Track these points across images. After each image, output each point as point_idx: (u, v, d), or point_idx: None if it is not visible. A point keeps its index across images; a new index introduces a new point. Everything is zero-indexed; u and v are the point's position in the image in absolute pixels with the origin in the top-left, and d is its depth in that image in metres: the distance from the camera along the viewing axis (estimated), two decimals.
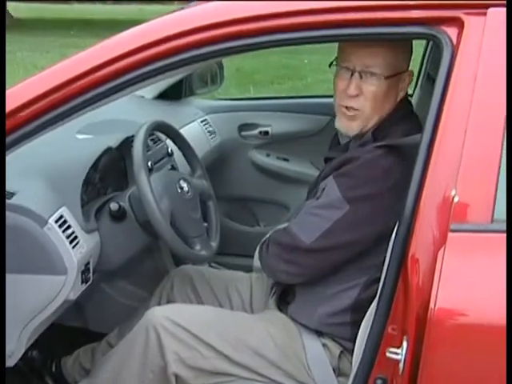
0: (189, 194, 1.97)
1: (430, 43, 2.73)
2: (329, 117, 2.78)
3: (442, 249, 1.36)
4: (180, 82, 2.90)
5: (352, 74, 1.74)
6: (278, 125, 2.99)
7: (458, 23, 1.46)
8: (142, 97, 2.86)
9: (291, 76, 9.57)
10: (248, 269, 2.23)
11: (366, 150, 1.72)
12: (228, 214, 3.10)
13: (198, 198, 2.03)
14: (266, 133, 3.01)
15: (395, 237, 1.43)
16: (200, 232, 1.98)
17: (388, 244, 1.46)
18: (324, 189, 1.74)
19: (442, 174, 1.40)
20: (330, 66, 1.83)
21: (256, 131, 3.02)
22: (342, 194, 1.68)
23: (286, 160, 3.04)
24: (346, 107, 1.77)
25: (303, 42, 1.57)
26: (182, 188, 1.96)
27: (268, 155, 3.04)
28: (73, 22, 18.98)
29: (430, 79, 2.72)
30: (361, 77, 1.74)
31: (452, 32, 1.48)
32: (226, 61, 9.51)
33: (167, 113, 2.76)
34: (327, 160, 1.92)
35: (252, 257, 2.17)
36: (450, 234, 1.37)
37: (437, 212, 1.40)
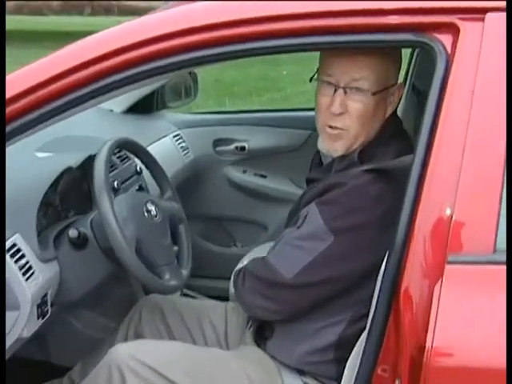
0: (157, 217, 1.82)
1: (416, 51, 2.60)
2: (309, 131, 2.71)
3: (439, 283, 1.24)
4: (151, 95, 2.79)
5: (335, 90, 1.59)
6: (255, 140, 2.89)
7: (453, 30, 1.33)
8: (111, 110, 2.74)
9: (270, 88, 9.54)
10: (224, 292, 2.13)
11: (353, 174, 1.57)
12: (203, 234, 3.00)
13: (168, 222, 1.88)
14: (243, 148, 2.90)
15: (385, 268, 1.31)
16: (169, 259, 1.83)
17: (377, 277, 1.36)
18: (306, 216, 1.58)
19: (437, 199, 1.28)
20: (310, 80, 1.67)
21: (232, 146, 2.91)
22: (326, 223, 1.54)
23: (263, 177, 2.93)
24: (330, 126, 1.62)
25: (280, 51, 1.43)
26: (149, 211, 1.80)
27: (245, 172, 2.93)
28: (49, 33, 18.77)
29: (416, 90, 2.61)
30: (345, 92, 1.58)
31: (446, 39, 1.34)
32: (203, 72, 9.54)
33: (137, 127, 2.66)
34: (309, 181, 1.77)
35: (229, 279, 2.06)
36: (447, 267, 1.25)
37: (432, 241, 1.28)
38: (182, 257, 1.94)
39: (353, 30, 1.38)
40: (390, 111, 1.67)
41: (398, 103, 1.71)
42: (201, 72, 8.86)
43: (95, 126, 2.48)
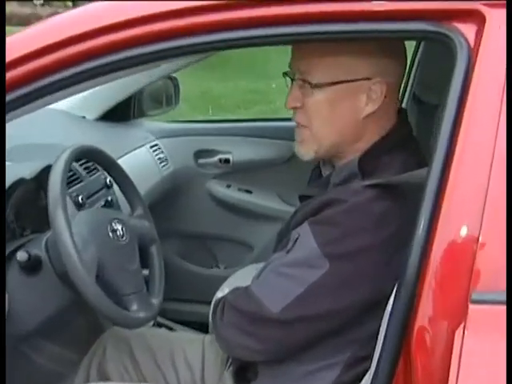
0: (124, 238, 1.58)
1: (419, 53, 2.38)
2: None
3: (461, 325, 1.02)
4: (128, 102, 2.62)
5: (292, 83, 1.46)
6: (240, 151, 2.72)
7: (477, 18, 1.12)
8: (83, 117, 2.56)
9: (259, 100, 9.40)
10: (204, 318, 1.85)
11: (353, 190, 1.35)
12: (182, 254, 2.82)
13: (137, 243, 1.65)
14: (227, 161, 2.72)
15: (394, 303, 1.10)
16: (137, 287, 1.59)
17: (382, 312, 1.16)
18: (297, 239, 1.36)
19: (458, 220, 1.06)
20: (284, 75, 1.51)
21: (215, 159, 2.73)
22: (321, 247, 1.31)
23: (249, 192, 2.76)
24: (296, 124, 1.49)
25: (255, 43, 1.24)
26: (114, 231, 1.58)
27: (229, 186, 2.76)
28: None
29: (416, 99, 2.41)
30: (300, 86, 1.43)
31: (468, 30, 1.13)
32: (190, 84, 9.39)
33: (111, 136, 2.49)
34: (303, 198, 1.55)
35: (209, 303, 1.84)
36: (471, 306, 1.03)
37: (452, 273, 1.07)
38: (153, 283, 1.70)
39: (351, 17, 1.17)
40: (368, 110, 1.42)
41: (401, 103, 1.48)
42: (187, 84, 8.84)
43: (65, 134, 2.31)
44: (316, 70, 1.39)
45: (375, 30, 1.16)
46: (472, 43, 1.12)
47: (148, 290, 1.67)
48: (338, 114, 1.42)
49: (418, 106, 2.38)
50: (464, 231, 1.05)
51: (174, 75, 2.71)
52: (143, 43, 1.19)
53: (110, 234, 1.57)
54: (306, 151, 1.46)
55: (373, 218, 1.30)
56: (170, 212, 2.70)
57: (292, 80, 1.45)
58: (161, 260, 1.75)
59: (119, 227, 1.60)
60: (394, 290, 1.12)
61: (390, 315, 1.10)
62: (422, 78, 2.41)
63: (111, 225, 1.59)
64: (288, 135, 2.59)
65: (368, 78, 1.40)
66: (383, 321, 1.16)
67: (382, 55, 1.41)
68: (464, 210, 1.05)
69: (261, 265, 2.22)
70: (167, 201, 2.65)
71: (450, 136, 1.09)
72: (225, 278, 2.01)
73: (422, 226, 1.07)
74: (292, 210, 2.52)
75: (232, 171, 2.74)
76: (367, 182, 1.34)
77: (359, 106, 1.42)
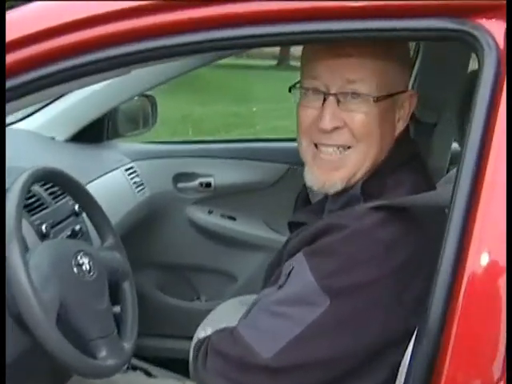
0: (91, 273, 1.40)
1: (416, 69, 2.22)
2: (287, 165, 2.49)
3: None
4: (101, 121, 2.45)
5: (325, 99, 1.22)
6: (222, 174, 2.59)
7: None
8: (52, 138, 2.37)
9: (239, 124, 9.36)
10: (185, 355, 1.70)
11: (356, 213, 1.17)
12: (160, 286, 2.68)
13: (106, 279, 1.46)
14: (208, 184, 2.59)
15: (415, 347, 0.93)
16: (106, 330, 1.40)
17: (393, 359, 1.04)
18: (290, 272, 1.18)
19: (492, 251, 0.90)
20: (290, 89, 1.30)
21: (195, 182, 2.59)
22: (319, 282, 1.13)
23: (232, 219, 2.63)
24: (320, 147, 1.25)
25: (257, 43, 1.04)
26: (80, 265, 1.39)
27: (210, 212, 2.63)
28: None
29: (413, 118, 2.22)
30: (338, 101, 1.21)
31: (496, 27, 0.96)
32: (170, 108, 9.26)
33: (82, 158, 2.32)
34: (294, 226, 1.36)
35: (191, 338, 1.73)
36: None
37: (486, 318, 0.90)
38: (126, 324, 1.52)
39: (362, 15, 1.00)
40: (400, 128, 1.29)
41: (411, 119, 1.32)
42: (167, 107, 8.75)
43: (31, 157, 2.11)
44: (368, 79, 1.21)
45: (391, 28, 0.99)
46: (501, 43, 0.94)
47: (119, 332, 1.49)
48: (383, 133, 1.25)
49: (414, 125, 2.22)
50: (500, 262, 0.88)
51: (150, 93, 2.56)
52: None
53: (75, 269, 1.38)
54: (341, 179, 1.25)
55: (380, 245, 1.13)
56: (147, 241, 2.57)
57: (324, 96, 1.22)
58: (134, 297, 1.57)
59: (86, 261, 1.41)
60: (416, 333, 0.95)
61: (410, 364, 0.92)
62: (419, 96, 2.25)
63: (76, 258, 1.40)
64: (274, 157, 2.58)
65: (403, 91, 1.27)
66: (399, 373, 0.98)
67: (409, 63, 1.26)
68: (499, 236, 0.87)
69: (246, 298, 2.10)
70: (143, 229, 2.51)
71: (478, 152, 0.92)
72: (206, 312, 1.91)
73: (447, 257, 0.91)
74: (279, 237, 2.46)
75: (214, 196, 2.61)
76: (372, 204, 1.16)
77: (396, 124, 1.28)
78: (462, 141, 1.66)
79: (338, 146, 1.23)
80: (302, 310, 1.14)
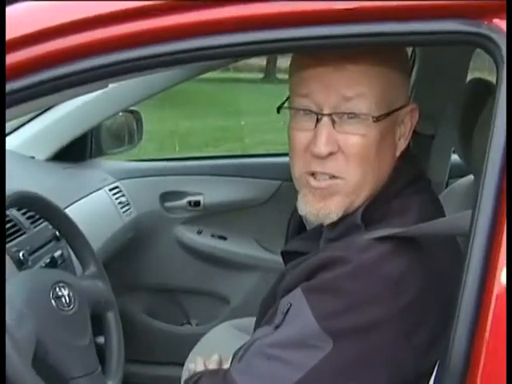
0: (71, 306, 1.31)
1: (413, 79, 2.13)
2: (278, 181, 2.44)
3: None
4: (84, 139, 2.39)
5: (318, 120, 1.09)
6: (212, 192, 2.53)
7: None
8: (32, 157, 2.29)
9: (228, 138, 9.30)
10: (176, 382, 1.68)
11: (359, 245, 1.06)
12: (149, 310, 2.61)
13: (88, 312, 1.36)
14: (197, 203, 2.53)
15: None
16: (89, 367, 1.29)
17: None
18: (288, 311, 1.06)
19: None
20: (278, 110, 1.18)
21: (184, 201, 2.54)
22: (321, 322, 1.02)
23: (223, 238, 2.57)
24: (314, 175, 1.12)
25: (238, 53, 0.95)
26: (58, 297, 1.30)
27: (200, 232, 2.57)
28: None
29: None
30: (333, 122, 1.09)
31: None
32: (157, 122, 9.21)
33: (64, 178, 2.25)
34: (288, 255, 1.26)
35: (181, 365, 1.71)
36: None
37: None
38: (110, 359, 1.43)
39: (362, 17, 0.90)
40: (401, 147, 1.17)
41: (413, 135, 1.21)
42: (154, 123, 8.67)
43: (9, 177, 1.99)
44: (365, 97, 1.09)
45: (395, 32, 0.89)
46: None
47: (103, 368, 1.39)
48: (383, 156, 1.13)
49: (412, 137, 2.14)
50: None
51: (135, 108, 2.49)
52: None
53: (53, 302, 1.29)
54: (336, 209, 1.13)
55: (387, 281, 1.02)
56: (134, 263, 2.50)
57: (317, 117, 1.10)
58: (119, 329, 1.47)
59: (65, 292, 1.31)
60: (434, 375, 0.86)
61: None
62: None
63: (55, 290, 1.30)
64: (266, 173, 2.51)
65: (402, 106, 1.15)
66: None
67: (409, 74, 1.15)
68: None
69: (239, 321, 2.00)
70: (130, 251, 2.44)
71: (499, 171, 0.82)
72: (197, 337, 1.88)
73: (469, 288, 0.82)
74: (272, 257, 2.38)
75: (203, 215, 2.56)
76: (376, 235, 1.05)
77: (397, 143, 1.16)
78: (462, 152, 1.59)
79: (333, 175, 1.12)
80: (302, 353, 1.03)
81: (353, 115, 1.08)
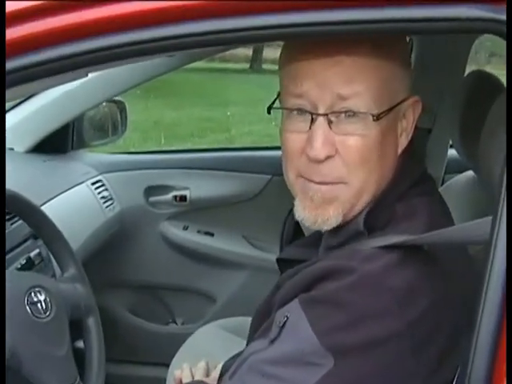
0: (47, 313, 1.24)
1: (414, 55, 2.04)
2: (268, 175, 2.40)
3: None
4: (66, 130, 2.33)
5: (313, 120, 1.01)
6: (198, 187, 2.47)
7: None
8: (11, 149, 2.24)
9: (214, 129, 9.25)
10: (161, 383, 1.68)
11: (363, 254, 0.98)
12: (133, 309, 2.55)
13: (67, 318, 1.29)
14: (183, 198, 2.47)
15: None
16: (67, 379, 1.22)
17: None
18: (285, 324, 0.98)
19: None
20: (269, 111, 1.09)
21: (169, 196, 2.48)
22: (321, 338, 0.93)
23: (210, 235, 2.52)
24: (312, 181, 1.04)
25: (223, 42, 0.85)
26: (34, 304, 1.23)
27: (186, 228, 2.51)
28: None
29: None
30: (330, 122, 1.00)
31: None
32: (143, 113, 9.16)
33: (44, 172, 2.18)
34: (283, 263, 1.18)
35: (167, 366, 1.69)
36: None
37: None
38: (90, 368, 1.36)
39: (359, 2, 0.82)
40: (403, 143, 1.08)
41: (415, 132, 1.12)
42: (139, 113, 8.58)
43: None
44: (364, 94, 1.01)
45: (394, 19, 0.80)
46: None
47: (83, 377, 1.33)
48: (384, 157, 1.04)
49: None
50: None
51: (119, 99, 2.42)
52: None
53: (28, 309, 1.21)
54: (336, 215, 1.05)
55: (394, 293, 0.94)
56: (118, 260, 2.45)
57: (311, 117, 1.02)
58: (100, 335, 1.40)
59: (41, 298, 1.24)
60: None
61: None
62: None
63: (30, 295, 1.22)
64: (255, 167, 2.45)
65: (404, 100, 1.06)
66: None
67: (410, 65, 1.06)
68: None
69: (226, 321, 1.94)
70: (114, 247, 2.39)
71: None
72: (183, 336, 1.85)
73: (491, 302, 0.76)
74: (261, 255, 2.33)
75: (189, 210, 2.50)
76: (383, 242, 0.97)
77: (398, 141, 1.08)
78: (461, 148, 1.52)
79: (325, 180, 1.03)
80: (300, 371, 0.95)
81: (351, 114, 0.99)
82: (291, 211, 1.18)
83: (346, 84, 0.99)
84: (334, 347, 0.92)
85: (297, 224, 1.19)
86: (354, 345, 0.92)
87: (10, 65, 0.80)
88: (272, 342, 0.98)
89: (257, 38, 0.90)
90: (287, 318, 0.96)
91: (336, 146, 1.00)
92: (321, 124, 1.00)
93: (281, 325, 0.97)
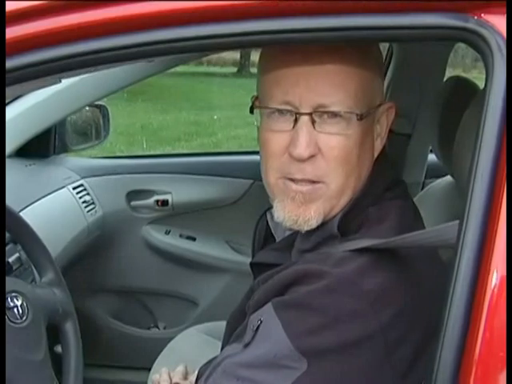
0: (24, 318, 1.22)
1: (388, 76, 2.07)
2: (250, 180, 2.38)
3: None
4: (47, 134, 2.30)
5: (296, 120, 1.01)
6: (180, 191, 2.45)
7: None
8: None
9: (200, 132, 9.21)
10: None
11: (335, 258, 0.98)
12: (114, 313, 2.53)
13: (43, 323, 1.27)
14: (165, 202, 2.45)
15: None
16: (45, 382, 1.21)
17: None
18: (258, 328, 0.98)
19: None
20: (251, 110, 1.10)
21: (151, 200, 2.46)
22: (294, 341, 0.94)
23: (192, 239, 2.50)
24: (293, 180, 1.04)
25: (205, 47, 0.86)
26: (11, 309, 1.21)
27: (168, 233, 2.49)
28: None
29: None
30: (313, 121, 1.01)
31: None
32: (129, 117, 9.10)
33: (24, 176, 2.16)
34: (257, 267, 1.18)
35: (148, 370, 1.68)
36: None
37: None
38: (68, 374, 1.32)
39: (335, 9, 0.83)
40: (378, 148, 1.10)
41: (389, 134, 1.13)
42: (126, 117, 8.55)
43: None
44: (350, 95, 1.02)
45: (378, 26, 0.81)
46: None
47: (61, 383, 1.30)
48: (363, 158, 1.05)
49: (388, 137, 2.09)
50: None
51: (102, 103, 2.41)
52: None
53: (6, 315, 1.18)
54: (317, 215, 1.05)
55: (366, 296, 0.94)
56: (99, 264, 2.43)
57: (295, 116, 1.02)
58: (78, 340, 1.38)
59: (18, 303, 1.22)
60: None
61: None
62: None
63: (6, 301, 1.20)
64: (237, 172, 2.43)
65: (380, 105, 1.08)
66: None
67: (382, 71, 1.07)
68: None
69: (207, 325, 1.93)
70: (95, 251, 2.37)
71: (490, 178, 0.75)
72: (165, 340, 1.85)
73: (456, 306, 0.76)
74: (242, 259, 2.31)
75: (171, 214, 2.47)
76: (355, 245, 0.97)
77: (374, 144, 1.08)
78: (440, 153, 1.53)
79: (306, 180, 1.04)
80: (274, 374, 0.95)
81: (335, 114, 1.00)
82: (262, 216, 1.18)
83: (328, 91, 1.00)
84: (307, 350, 0.92)
85: (267, 229, 1.19)
86: (328, 348, 0.93)
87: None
88: (246, 345, 0.98)
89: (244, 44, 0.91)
90: (261, 322, 0.97)
91: (319, 145, 1.01)
92: (305, 123, 1.00)
93: (255, 328, 0.97)
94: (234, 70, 17.14)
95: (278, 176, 1.05)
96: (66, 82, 1.90)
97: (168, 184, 2.45)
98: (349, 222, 1.04)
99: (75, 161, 2.53)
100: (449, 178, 1.59)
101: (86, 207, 2.27)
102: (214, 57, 12.24)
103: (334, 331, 0.93)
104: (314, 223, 1.03)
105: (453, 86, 1.47)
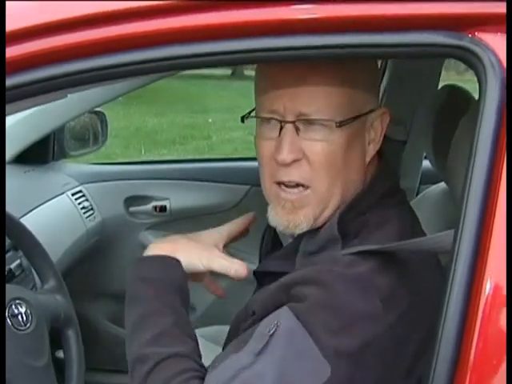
0: (28, 325, 1.25)
1: (383, 84, 2.09)
2: (247, 186, 2.39)
3: None
4: (47, 141, 2.31)
5: (281, 128, 1.07)
6: (178, 197, 2.46)
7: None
8: None
9: (195, 136, 9.24)
10: None
11: (344, 260, 1.01)
12: (113, 318, 2.51)
13: (46, 329, 1.30)
14: (163, 208, 2.46)
15: None
16: None
17: None
18: (274, 333, 0.97)
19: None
20: (243, 119, 1.16)
21: (149, 206, 2.47)
22: (318, 344, 0.95)
23: None
24: (280, 184, 1.09)
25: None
26: (15, 316, 1.23)
27: None
28: None
29: None
30: (297, 129, 1.06)
31: (500, 43, 0.82)
32: (124, 120, 9.07)
33: (24, 183, 2.18)
34: (260, 276, 1.20)
35: None
36: None
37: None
38: (70, 377, 1.38)
39: (330, 28, 0.87)
40: (371, 152, 1.13)
41: (384, 141, 1.15)
42: (121, 120, 8.52)
43: None
44: (328, 104, 1.07)
45: (367, 44, 0.84)
46: (505, 62, 0.80)
47: None
48: (351, 162, 1.09)
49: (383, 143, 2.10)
50: None
51: (100, 109, 2.42)
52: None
53: (9, 321, 1.22)
54: (306, 219, 1.10)
55: (379, 295, 0.98)
56: (98, 269, 2.43)
57: (280, 124, 1.07)
58: (79, 345, 1.41)
59: (22, 310, 1.25)
60: None
61: None
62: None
63: (11, 308, 1.23)
64: (234, 177, 2.44)
65: (372, 110, 1.11)
66: None
67: (378, 78, 1.10)
68: None
69: (205, 330, 1.93)
70: (94, 257, 2.37)
71: (483, 188, 0.78)
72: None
73: (452, 311, 0.79)
74: None
75: (169, 220, 2.47)
76: (358, 248, 1.00)
77: (366, 149, 1.11)
78: (434, 160, 1.55)
79: (298, 183, 1.08)
80: (299, 377, 0.95)
81: (315, 121, 1.05)
82: (269, 225, 1.21)
83: (308, 100, 1.05)
84: (331, 352, 0.94)
85: (275, 237, 1.22)
86: (348, 348, 0.94)
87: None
88: (259, 353, 0.97)
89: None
90: (277, 327, 0.97)
91: (303, 150, 1.06)
92: (288, 130, 1.06)
93: (271, 333, 0.97)
94: (228, 72, 17.14)
95: (271, 181, 1.10)
96: None
97: (166, 190, 2.45)
98: (347, 225, 1.07)
99: (74, 167, 2.53)
100: (443, 184, 1.61)
101: (84, 213, 2.28)
102: None
103: (354, 332, 0.95)
104: (304, 227, 1.08)
105: (447, 94, 1.49)
